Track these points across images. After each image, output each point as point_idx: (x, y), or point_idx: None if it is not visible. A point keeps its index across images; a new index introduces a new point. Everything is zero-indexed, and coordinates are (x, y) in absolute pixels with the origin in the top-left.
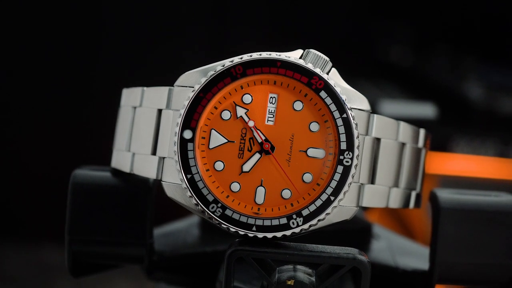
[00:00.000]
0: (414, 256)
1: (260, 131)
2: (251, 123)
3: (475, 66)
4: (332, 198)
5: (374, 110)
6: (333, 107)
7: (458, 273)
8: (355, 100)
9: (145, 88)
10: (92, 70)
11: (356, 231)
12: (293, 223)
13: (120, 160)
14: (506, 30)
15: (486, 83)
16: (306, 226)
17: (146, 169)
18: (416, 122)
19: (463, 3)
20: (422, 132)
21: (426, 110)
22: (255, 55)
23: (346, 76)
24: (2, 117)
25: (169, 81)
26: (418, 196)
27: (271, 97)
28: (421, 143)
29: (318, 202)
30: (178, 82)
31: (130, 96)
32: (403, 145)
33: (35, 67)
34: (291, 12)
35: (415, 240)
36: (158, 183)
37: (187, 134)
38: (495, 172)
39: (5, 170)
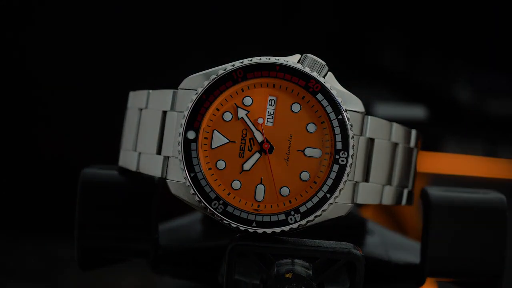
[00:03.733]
0: (406, 250)
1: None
2: (260, 120)
3: (464, 69)
4: (328, 195)
5: (368, 111)
6: (329, 109)
7: (448, 266)
8: (350, 102)
9: (150, 91)
10: (101, 74)
11: (351, 226)
12: (291, 219)
13: (127, 159)
14: (494, 35)
15: (475, 86)
16: (303, 222)
17: (152, 168)
18: (407, 123)
19: (453, 8)
20: (413, 132)
21: (417, 111)
22: (255, 60)
23: (342, 80)
24: (17, 118)
25: (174, 84)
26: (410, 194)
27: (270, 99)
28: (413, 143)
29: (315, 199)
30: (182, 85)
31: (136, 98)
32: (395, 145)
33: (49, 71)
34: (290, 18)
35: (407, 235)
36: (163, 181)
37: (191, 135)
38: (484, 171)
39: (21, 169)
